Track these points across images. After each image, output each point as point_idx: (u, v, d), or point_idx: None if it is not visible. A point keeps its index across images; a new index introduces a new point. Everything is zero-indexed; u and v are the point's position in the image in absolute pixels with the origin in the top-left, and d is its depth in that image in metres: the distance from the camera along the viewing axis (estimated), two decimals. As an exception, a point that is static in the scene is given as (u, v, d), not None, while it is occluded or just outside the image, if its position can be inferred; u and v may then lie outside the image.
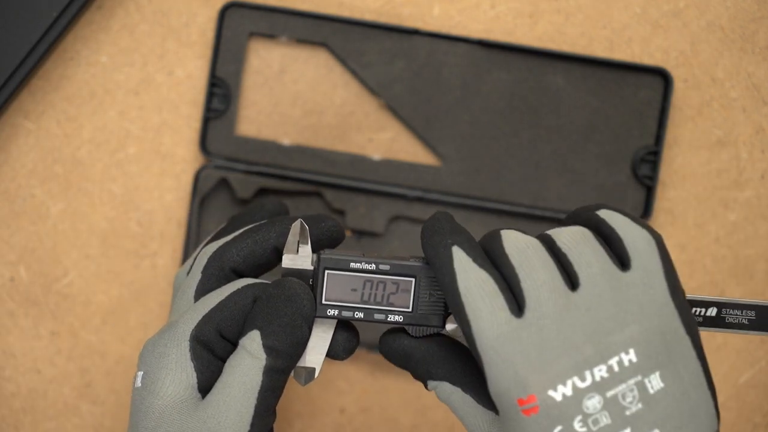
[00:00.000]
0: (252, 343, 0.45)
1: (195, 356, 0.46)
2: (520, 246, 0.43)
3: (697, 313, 0.46)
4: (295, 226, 0.48)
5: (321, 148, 0.68)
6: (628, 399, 0.41)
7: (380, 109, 0.69)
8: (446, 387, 0.46)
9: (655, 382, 0.41)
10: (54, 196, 0.68)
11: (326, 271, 0.47)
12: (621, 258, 0.43)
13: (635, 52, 0.68)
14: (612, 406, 0.41)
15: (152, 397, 0.45)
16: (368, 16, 0.68)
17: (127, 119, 0.68)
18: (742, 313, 0.47)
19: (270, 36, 0.68)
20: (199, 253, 0.50)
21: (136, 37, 0.68)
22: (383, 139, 0.69)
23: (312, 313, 0.47)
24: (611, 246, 0.43)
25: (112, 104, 0.68)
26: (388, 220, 0.68)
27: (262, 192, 0.68)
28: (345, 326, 0.49)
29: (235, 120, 0.68)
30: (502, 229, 0.45)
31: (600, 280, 0.42)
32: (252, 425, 0.45)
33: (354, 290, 0.47)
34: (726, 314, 0.47)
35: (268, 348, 0.45)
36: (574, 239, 0.43)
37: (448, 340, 0.48)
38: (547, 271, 0.42)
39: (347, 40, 0.67)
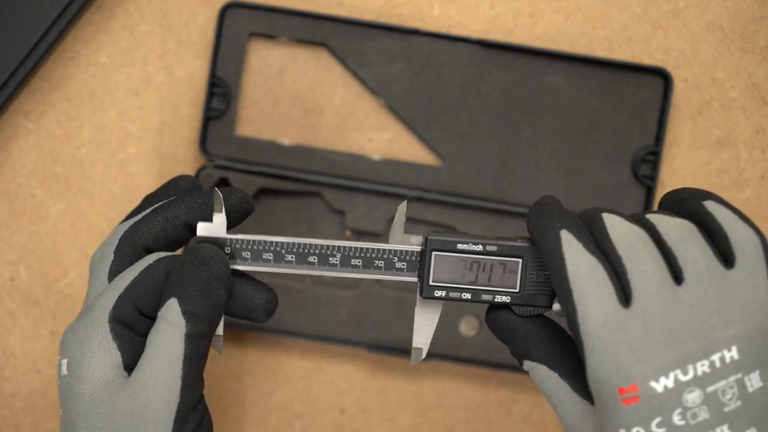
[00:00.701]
0: (171, 312, 0.45)
1: (116, 336, 0.46)
2: (627, 235, 0.43)
3: None
4: (214, 194, 0.48)
5: (321, 148, 0.68)
6: (728, 396, 0.41)
7: (380, 109, 0.69)
8: (543, 370, 0.47)
9: (754, 381, 0.41)
10: (54, 196, 0.68)
11: (433, 253, 0.47)
12: (725, 255, 0.43)
13: (635, 52, 0.68)
14: (711, 401, 0.41)
15: (79, 382, 0.45)
16: (368, 16, 0.68)
17: (127, 119, 0.68)
18: None
19: (270, 36, 0.68)
20: (111, 234, 0.50)
21: (136, 37, 0.68)
22: (383, 139, 0.69)
23: (227, 275, 0.46)
24: (716, 242, 0.44)
25: (112, 104, 0.68)
26: (388, 220, 0.68)
27: (262, 192, 0.68)
28: (263, 288, 0.49)
29: (235, 120, 0.68)
30: (603, 211, 0.45)
31: (705, 276, 0.42)
32: (182, 395, 0.45)
33: (461, 271, 0.47)
34: None
35: (187, 314, 0.45)
36: (680, 233, 0.43)
37: (552, 324, 0.48)
38: (654, 263, 0.42)
39: (347, 40, 0.67)
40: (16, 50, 0.64)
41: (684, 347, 0.41)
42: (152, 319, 0.47)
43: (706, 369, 0.41)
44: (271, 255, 0.48)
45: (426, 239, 0.47)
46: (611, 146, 0.68)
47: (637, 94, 0.68)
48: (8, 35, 0.64)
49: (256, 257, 0.48)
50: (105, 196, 0.68)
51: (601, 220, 0.44)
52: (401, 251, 0.48)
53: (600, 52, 0.68)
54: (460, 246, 0.47)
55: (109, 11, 0.68)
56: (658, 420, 0.41)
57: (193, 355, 0.45)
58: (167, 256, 0.47)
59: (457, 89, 0.68)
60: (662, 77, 0.67)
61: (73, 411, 0.45)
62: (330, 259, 0.48)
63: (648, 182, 0.67)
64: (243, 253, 0.48)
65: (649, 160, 0.68)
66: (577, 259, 0.43)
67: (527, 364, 0.47)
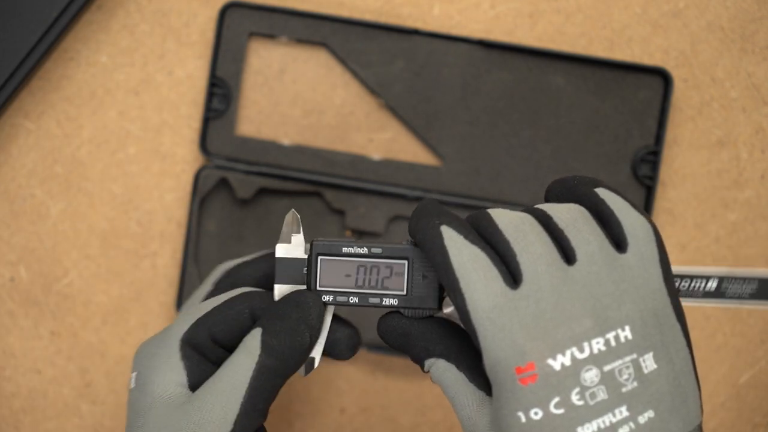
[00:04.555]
0: (252, 340, 0.45)
1: (185, 356, 0.46)
2: (514, 221, 0.43)
3: (697, 287, 0.46)
4: (288, 216, 0.48)
5: (321, 148, 0.68)
6: (624, 376, 0.41)
7: (380, 109, 0.69)
8: (441, 364, 0.46)
9: (649, 363, 0.41)
10: (54, 196, 0.68)
11: (319, 257, 0.47)
12: (617, 240, 0.43)
13: (635, 52, 0.68)
14: (609, 381, 0.41)
15: (143, 395, 0.46)
16: (368, 16, 0.68)
17: (127, 119, 0.68)
18: (743, 286, 0.47)
19: (270, 36, 0.68)
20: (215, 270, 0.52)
21: (136, 37, 0.68)
22: (383, 139, 0.69)
23: (318, 325, 0.47)
24: (609, 227, 0.43)
25: (112, 104, 0.68)
26: (388, 220, 0.68)
27: (262, 192, 0.68)
28: (345, 324, 0.49)
29: (235, 120, 0.68)
30: (489, 208, 0.45)
31: (597, 257, 0.42)
32: (235, 423, 0.45)
33: (348, 275, 0.47)
34: (726, 288, 0.47)
35: (264, 344, 0.45)
36: (572, 216, 0.43)
37: (444, 321, 0.48)
38: (543, 244, 0.42)
39: (347, 40, 0.67)
40: (16, 50, 0.64)
41: (579, 325, 0.41)
42: (227, 349, 0.47)
43: (602, 347, 0.41)
44: None
45: (311, 244, 0.47)
46: (611, 146, 0.68)
47: (637, 94, 0.68)
48: (8, 35, 0.64)
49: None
50: (105, 196, 0.68)
51: (486, 214, 0.44)
52: (287, 258, 0.48)
53: (600, 52, 0.68)
54: (345, 249, 0.47)
55: (109, 11, 0.68)
56: (556, 400, 0.40)
57: (258, 387, 0.45)
58: (252, 291, 0.48)
59: (457, 89, 0.68)
60: (662, 77, 0.67)
61: (134, 423, 0.46)
62: None
63: (648, 182, 0.67)
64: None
65: (649, 160, 0.68)
66: (460, 249, 0.43)
67: (427, 363, 0.47)
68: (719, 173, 0.69)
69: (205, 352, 0.47)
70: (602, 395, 0.41)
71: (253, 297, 0.48)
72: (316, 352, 0.48)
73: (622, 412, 0.41)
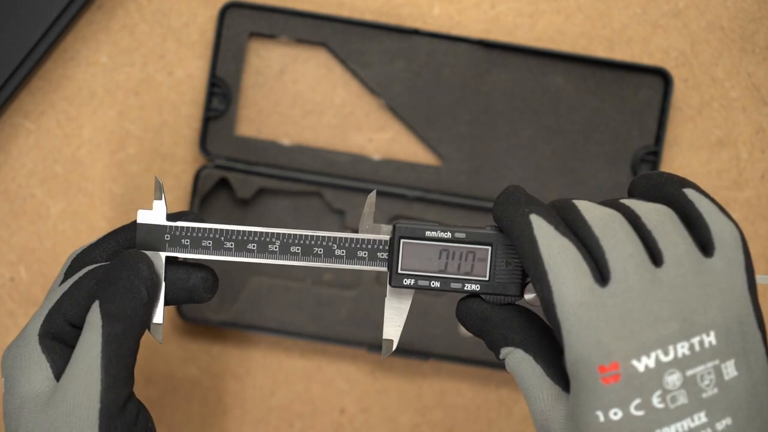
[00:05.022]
0: (93, 314, 0.45)
1: (45, 349, 0.46)
2: (603, 217, 0.43)
3: None
4: (156, 182, 0.47)
5: (321, 148, 0.68)
6: (706, 381, 0.41)
7: (380, 109, 0.69)
8: (518, 354, 0.46)
9: (730, 369, 0.41)
10: (54, 196, 0.68)
11: (402, 240, 0.47)
12: (703, 244, 0.43)
13: (635, 52, 0.68)
14: (690, 385, 0.41)
15: (12, 398, 0.46)
16: (368, 16, 0.68)
17: (127, 119, 0.68)
18: None
19: (270, 36, 0.68)
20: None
21: (136, 37, 0.68)
22: (383, 139, 0.69)
23: (150, 275, 0.46)
24: (696, 230, 0.43)
25: (112, 104, 0.68)
26: (388, 220, 0.68)
27: (262, 192, 0.68)
28: (198, 267, 0.48)
29: (235, 120, 0.68)
30: (573, 199, 0.45)
31: (685, 261, 0.42)
32: (101, 400, 0.44)
33: (430, 259, 0.47)
34: None
35: (105, 314, 0.45)
36: (660, 217, 0.43)
37: (525, 310, 0.47)
38: (632, 244, 0.42)
39: (347, 40, 0.67)
40: (16, 50, 0.64)
41: (665, 327, 0.41)
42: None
43: (686, 351, 0.41)
44: (210, 242, 0.47)
45: (394, 227, 0.47)
46: (611, 146, 0.68)
47: (637, 94, 0.68)
48: (8, 35, 0.64)
49: (196, 244, 0.47)
50: (105, 196, 0.68)
51: (573, 205, 0.44)
52: (366, 240, 0.47)
53: (600, 52, 0.68)
54: (428, 233, 0.47)
55: (109, 11, 0.68)
56: (637, 401, 0.40)
57: (112, 357, 0.45)
58: (96, 267, 0.47)
59: (457, 89, 0.68)
60: (662, 77, 0.67)
61: (9, 427, 0.46)
62: (269, 246, 0.48)
63: (648, 182, 0.67)
64: (183, 241, 0.47)
65: (649, 160, 0.68)
66: (549, 240, 0.42)
67: (504, 351, 0.46)
68: (719, 173, 0.69)
69: (65, 338, 0.46)
70: (683, 399, 0.41)
71: (98, 272, 0.47)
72: (395, 335, 0.48)
73: (701, 417, 0.41)
